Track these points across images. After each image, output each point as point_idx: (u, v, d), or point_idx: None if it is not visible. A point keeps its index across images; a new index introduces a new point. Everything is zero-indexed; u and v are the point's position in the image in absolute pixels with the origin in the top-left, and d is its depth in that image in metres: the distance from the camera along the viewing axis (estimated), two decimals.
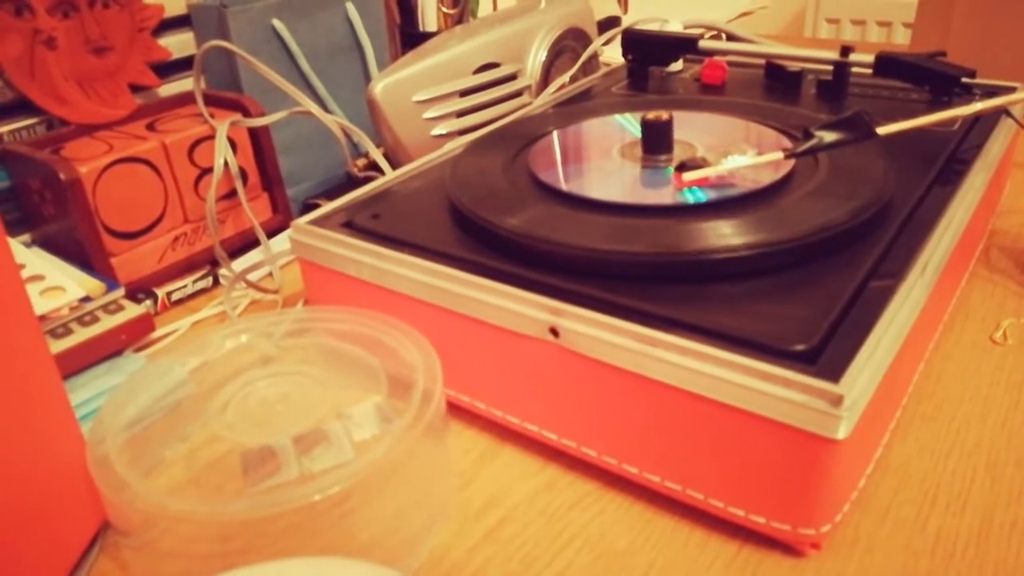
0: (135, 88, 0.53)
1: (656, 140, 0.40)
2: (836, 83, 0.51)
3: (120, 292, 0.43)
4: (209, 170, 0.50)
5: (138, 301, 0.46)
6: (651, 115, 0.40)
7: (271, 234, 0.54)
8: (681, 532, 0.31)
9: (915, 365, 0.36)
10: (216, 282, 0.51)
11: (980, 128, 0.45)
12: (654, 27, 0.61)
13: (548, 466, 0.34)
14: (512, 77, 0.60)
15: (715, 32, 0.67)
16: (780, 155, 0.37)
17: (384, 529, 0.29)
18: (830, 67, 0.52)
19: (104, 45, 0.51)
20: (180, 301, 0.49)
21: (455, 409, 0.38)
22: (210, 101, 0.53)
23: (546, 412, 0.33)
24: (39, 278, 0.43)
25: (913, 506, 0.31)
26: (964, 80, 0.48)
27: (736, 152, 0.38)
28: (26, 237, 0.49)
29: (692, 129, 0.43)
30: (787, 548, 0.30)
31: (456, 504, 0.33)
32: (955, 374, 0.38)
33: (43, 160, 0.44)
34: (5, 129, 0.49)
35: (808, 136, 0.38)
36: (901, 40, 1.04)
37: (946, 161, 0.41)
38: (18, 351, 0.27)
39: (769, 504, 0.29)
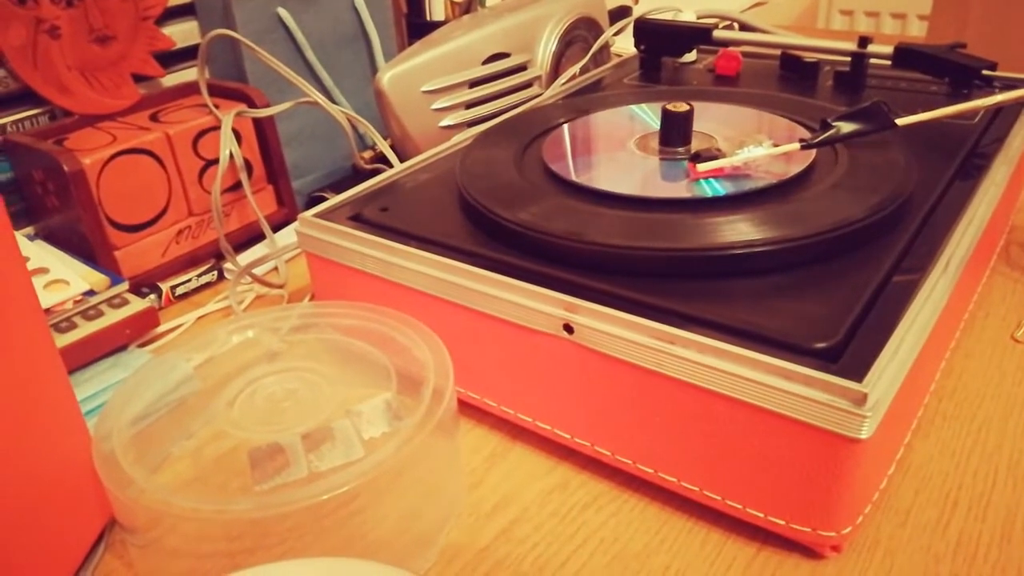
0: (138, 78, 0.52)
1: (675, 131, 0.40)
2: (854, 74, 0.50)
3: (124, 286, 0.42)
4: (213, 162, 0.49)
5: (142, 295, 0.46)
6: (671, 105, 0.39)
7: (276, 227, 0.53)
8: (698, 534, 0.30)
9: (937, 363, 0.35)
10: (221, 276, 0.50)
11: (1000, 122, 0.44)
12: (667, 17, 0.60)
13: (560, 465, 0.34)
14: (522, 68, 0.59)
15: (728, 22, 0.66)
16: (797, 145, 0.37)
17: (394, 529, 0.28)
18: (847, 58, 0.51)
19: (107, 34, 0.50)
20: (184, 295, 0.48)
21: (465, 407, 0.37)
22: (214, 91, 0.53)
23: (559, 410, 0.33)
24: (43, 271, 0.42)
25: (934, 508, 0.30)
26: (985, 72, 0.47)
27: (752, 143, 0.37)
28: (29, 230, 0.49)
29: (709, 121, 0.43)
30: (807, 551, 0.29)
31: (467, 504, 0.32)
32: (976, 373, 0.37)
33: (46, 151, 0.44)
34: (8, 119, 0.48)
35: (825, 127, 0.37)
36: (916, 33, 1.02)
37: (967, 155, 0.40)
38: (24, 345, 0.27)
39: (789, 506, 0.28)
